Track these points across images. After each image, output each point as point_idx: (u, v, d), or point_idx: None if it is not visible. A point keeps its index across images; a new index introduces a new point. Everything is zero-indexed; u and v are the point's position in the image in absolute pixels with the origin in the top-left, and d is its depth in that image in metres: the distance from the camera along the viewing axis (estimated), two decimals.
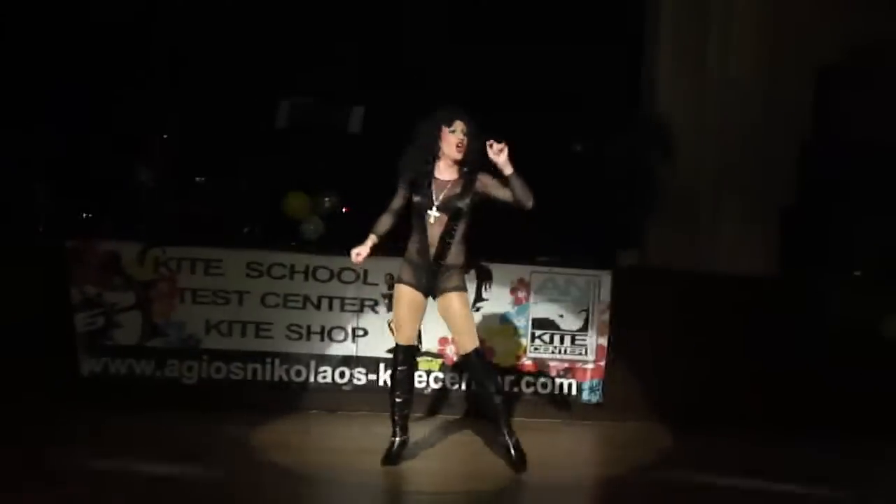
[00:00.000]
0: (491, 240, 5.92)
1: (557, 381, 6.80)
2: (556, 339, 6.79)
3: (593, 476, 5.86)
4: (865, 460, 6.16)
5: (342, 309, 6.63)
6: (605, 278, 6.81)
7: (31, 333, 6.21)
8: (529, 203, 5.13)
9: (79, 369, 6.39)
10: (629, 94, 8.30)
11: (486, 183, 5.23)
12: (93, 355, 6.42)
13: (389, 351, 6.39)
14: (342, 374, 6.65)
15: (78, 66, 7.80)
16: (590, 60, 8.03)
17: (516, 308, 6.78)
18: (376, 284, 6.62)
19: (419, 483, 5.23)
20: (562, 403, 6.79)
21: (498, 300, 6.75)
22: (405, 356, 5.40)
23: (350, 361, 6.65)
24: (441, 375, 6.72)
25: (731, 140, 7.93)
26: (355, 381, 6.65)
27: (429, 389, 6.71)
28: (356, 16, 8.39)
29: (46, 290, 6.36)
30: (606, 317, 6.78)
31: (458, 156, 5.23)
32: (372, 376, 6.64)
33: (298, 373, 6.62)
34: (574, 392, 6.82)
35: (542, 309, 6.79)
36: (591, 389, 6.82)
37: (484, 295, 6.70)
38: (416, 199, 5.24)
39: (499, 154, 5.09)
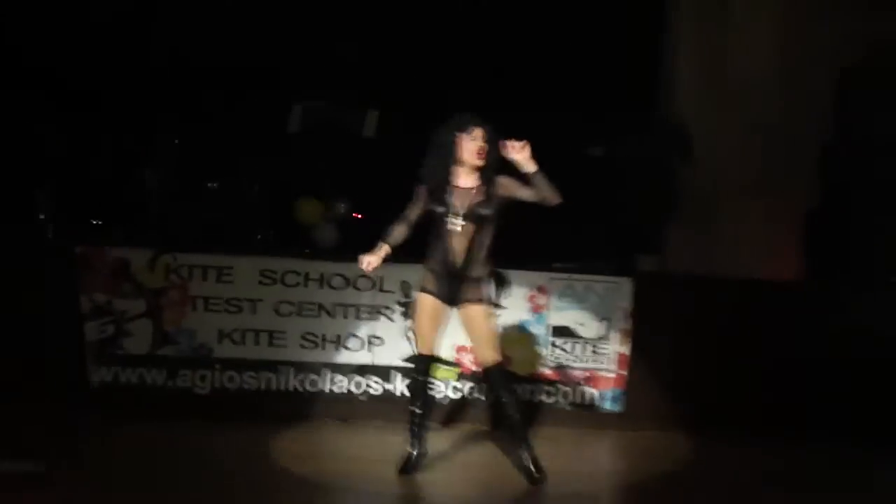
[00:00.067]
0: (508, 246, 5.80)
1: (577, 390, 6.66)
2: (577, 347, 6.65)
3: (615, 487, 5.73)
4: None
5: (357, 317, 6.51)
6: (626, 285, 6.65)
7: (40, 341, 6.12)
8: (557, 199, 5.03)
9: (88, 379, 6.27)
10: (649, 96, 8.20)
11: (506, 185, 5.15)
12: (103, 364, 6.30)
13: (406, 359, 6.32)
14: (357, 385, 6.53)
15: (88, 71, 7.76)
16: (608, 63, 7.96)
17: (535, 316, 6.64)
18: (392, 292, 6.50)
19: (435, 493, 5.18)
20: (582, 413, 6.64)
21: (516, 308, 6.61)
22: (425, 366, 5.32)
23: (365, 370, 6.52)
24: (458, 385, 6.59)
25: (751, 143, 7.80)
26: (370, 391, 6.53)
27: (446, 399, 6.58)
28: (368, 19, 8.35)
29: (55, 297, 6.24)
30: (627, 324, 6.63)
31: (480, 163, 5.15)
32: (388, 386, 6.52)
33: (313, 382, 6.50)
34: (595, 401, 6.67)
35: (561, 316, 6.64)
36: (613, 398, 6.67)
37: (501, 302, 6.57)
38: (439, 208, 5.13)
39: (520, 152, 4.99)
